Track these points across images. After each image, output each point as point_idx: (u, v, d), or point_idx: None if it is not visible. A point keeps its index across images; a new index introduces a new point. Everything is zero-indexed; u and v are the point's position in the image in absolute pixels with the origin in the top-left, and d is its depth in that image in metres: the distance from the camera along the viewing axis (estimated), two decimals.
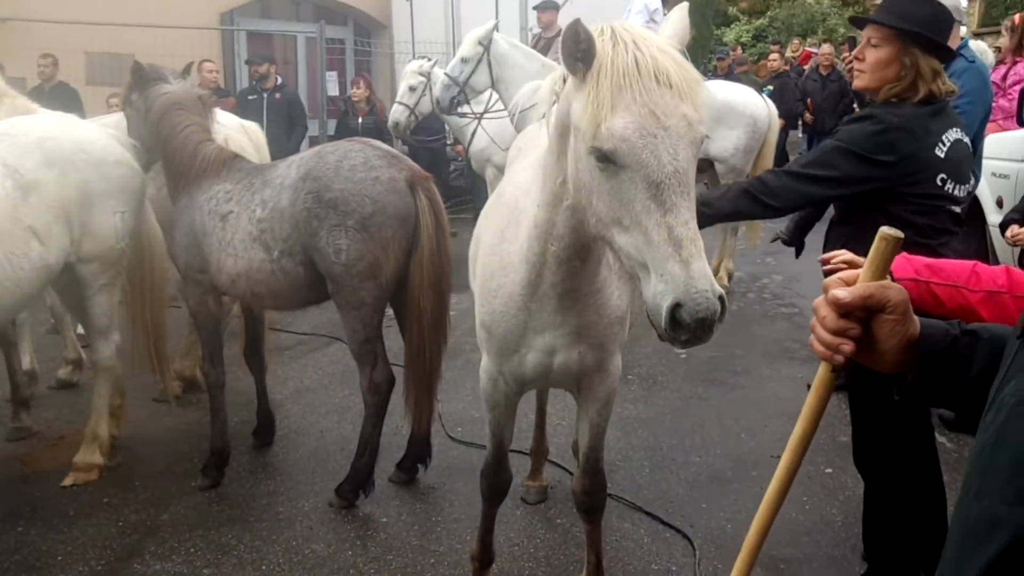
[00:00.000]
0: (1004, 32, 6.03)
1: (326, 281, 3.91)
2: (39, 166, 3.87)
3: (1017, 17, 6.18)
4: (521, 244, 2.48)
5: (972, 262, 2.16)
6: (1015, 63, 5.99)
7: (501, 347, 2.66)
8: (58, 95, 8.47)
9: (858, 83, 2.97)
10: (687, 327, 1.77)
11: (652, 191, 1.81)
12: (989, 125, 4.93)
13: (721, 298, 1.79)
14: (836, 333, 1.24)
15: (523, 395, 2.95)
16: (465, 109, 7.32)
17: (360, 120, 10.26)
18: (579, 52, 1.90)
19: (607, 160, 1.86)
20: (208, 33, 12.36)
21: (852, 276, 1.26)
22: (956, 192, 2.82)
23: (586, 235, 2.18)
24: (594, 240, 2.19)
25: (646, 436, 4.65)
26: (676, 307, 1.77)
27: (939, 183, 2.77)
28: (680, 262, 1.77)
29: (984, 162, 4.77)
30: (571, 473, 4.20)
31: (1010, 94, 5.79)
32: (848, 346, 1.23)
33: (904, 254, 2.21)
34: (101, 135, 4.33)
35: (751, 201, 2.88)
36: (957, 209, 2.87)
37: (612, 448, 4.36)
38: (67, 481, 4.24)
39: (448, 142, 10.92)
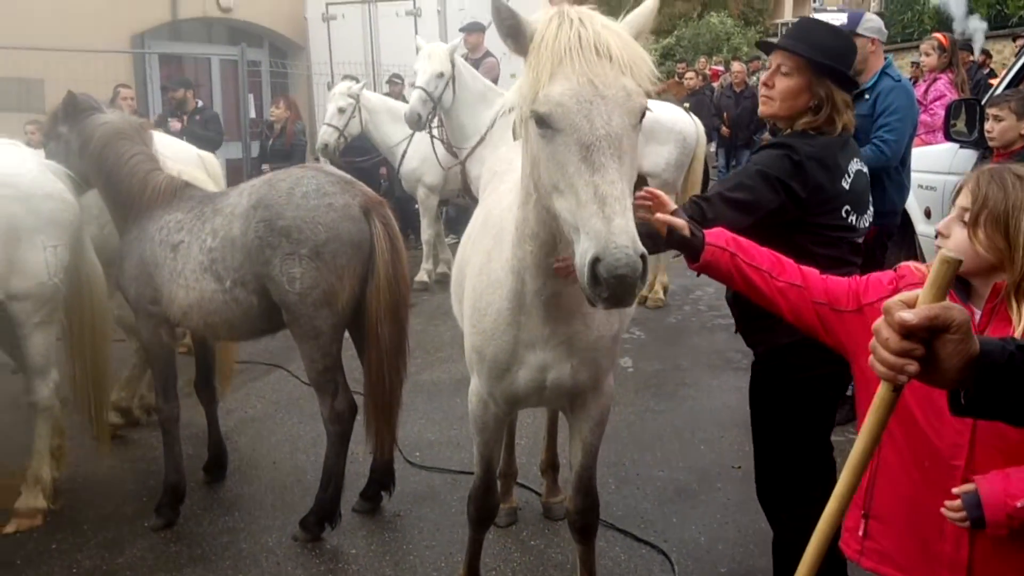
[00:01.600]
0: (930, 51, 6.33)
1: (281, 310, 3.84)
2: None
3: (943, 37, 6.51)
4: (505, 257, 2.49)
5: (773, 251, 2.27)
6: (935, 80, 6.31)
7: (492, 366, 2.65)
8: None
9: (765, 110, 2.86)
10: (606, 283, 1.79)
11: (583, 153, 1.89)
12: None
13: (643, 257, 1.81)
14: (900, 354, 1.26)
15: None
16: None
17: (270, 143, 10.09)
18: (505, 28, 2.03)
19: (545, 125, 1.95)
20: (119, 57, 11.97)
21: (911, 298, 1.29)
22: (857, 223, 2.80)
23: (554, 226, 2.19)
24: (558, 227, 2.16)
25: (607, 452, 4.65)
26: (596, 262, 1.79)
27: (843, 214, 2.75)
28: (603, 218, 1.81)
29: (912, 175, 4.98)
30: (538, 494, 4.21)
31: (931, 109, 6.10)
32: (913, 366, 1.26)
33: (720, 228, 2.33)
34: (32, 167, 4.13)
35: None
36: (858, 240, 2.86)
37: None
38: (10, 528, 4.02)
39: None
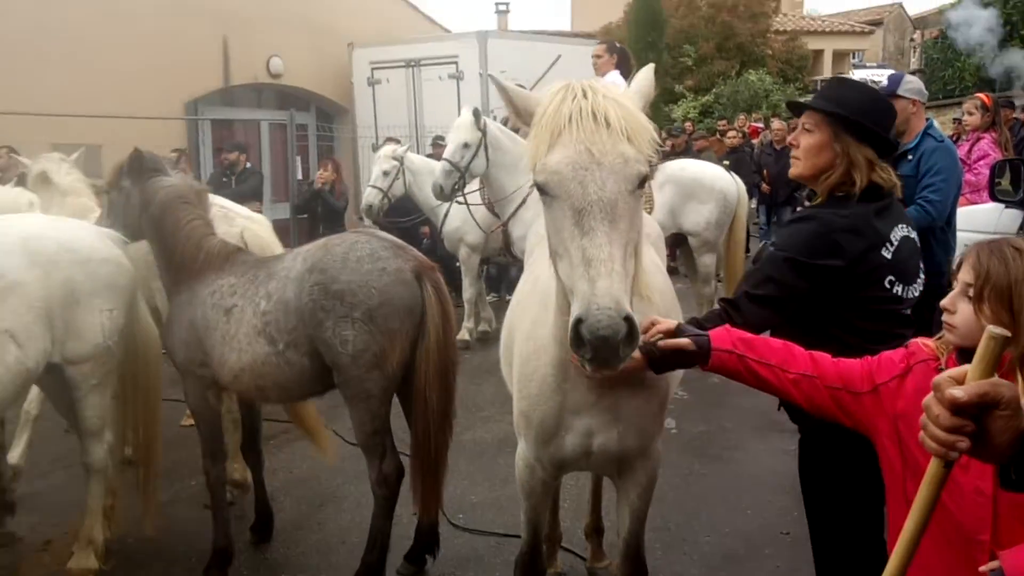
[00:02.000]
0: (973, 110, 6.34)
1: (332, 372, 3.90)
2: (20, 267, 3.74)
3: (985, 96, 6.52)
4: (550, 324, 2.52)
5: (783, 341, 2.26)
6: (979, 139, 6.30)
7: (539, 432, 2.67)
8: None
9: (793, 171, 2.79)
10: (589, 344, 1.82)
11: (575, 218, 1.96)
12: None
13: (628, 319, 1.84)
14: (951, 430, 1.28)
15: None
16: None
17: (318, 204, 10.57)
18: (512, 105, 2.18)
19: (545, 192, 2.04)
20: (174, 121, 12.41)
21: (960, 374, 1.31)
22: (904, 294, 2.64)
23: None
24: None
25: (653, 515, 4.54)
26: (579, 322, 1.83)
27: (887, 285, 2.60)
28: (588, 280, 1.86)
29: (957, 234, 4.95)
30: (583, 558, 4.18)
31: (975, 169, 6.08)
32: (964, 443, 1.28)
33: (726, 326, 2.32)
34: (89, 232, 4.26)
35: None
36: (907, 311, 2.69)
37: None
38: None
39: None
